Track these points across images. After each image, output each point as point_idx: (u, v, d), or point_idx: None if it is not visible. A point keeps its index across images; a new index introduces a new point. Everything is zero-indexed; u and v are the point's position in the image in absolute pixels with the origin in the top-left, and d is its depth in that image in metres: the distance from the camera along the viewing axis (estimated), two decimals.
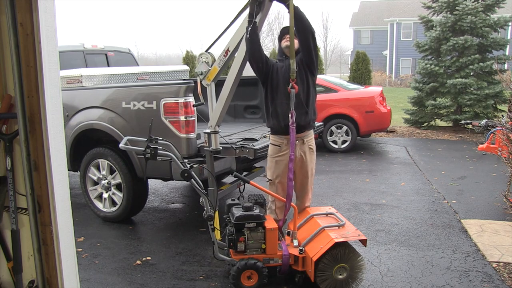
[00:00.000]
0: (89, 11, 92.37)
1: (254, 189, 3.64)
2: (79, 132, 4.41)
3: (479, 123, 7.21)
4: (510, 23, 11.04)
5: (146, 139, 3.05)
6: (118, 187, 4.39)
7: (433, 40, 10.59)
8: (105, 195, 4.51)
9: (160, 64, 42.70)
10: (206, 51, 3.63)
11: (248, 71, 3.46)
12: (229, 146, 3.78)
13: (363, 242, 3.07)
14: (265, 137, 4.24)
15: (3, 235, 2.43)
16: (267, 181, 3.50)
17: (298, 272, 3.09)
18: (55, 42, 1.96)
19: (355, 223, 4.30)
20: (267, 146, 3.71)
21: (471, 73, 10.19)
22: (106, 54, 6.24)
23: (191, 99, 3.81)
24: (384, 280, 3.19)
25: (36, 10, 1.87)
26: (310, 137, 3.48)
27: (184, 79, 5.71)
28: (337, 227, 3.10)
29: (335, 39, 67.35)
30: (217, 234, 3.27)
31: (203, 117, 4.30)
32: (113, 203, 4.49)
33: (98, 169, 4.49)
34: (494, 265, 3.40)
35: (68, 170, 3.70)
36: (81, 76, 4.60)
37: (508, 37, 18.93)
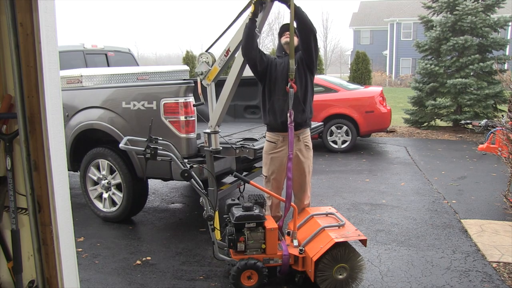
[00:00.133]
0: (89, 11, 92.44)
1: (254, 189, 3.64)
2: (79, 132, 4.41)
3: (479, 123, 7.22)
4: (510, 23, 11.04)
5: (146, 139, 3.05)
6: (118, 187, 4.39)
7: (433, 40, 10.59)
8: (105, 195, 4.51)
9: (160, 64, 42.72)
10: (207, 51, 3.63)
11: (249, 71, 3.46)
12: (229, 146, 3.78)
13: (363, 242, 3.07)
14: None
15: (3, 235, 2.43)
16: (261, 175, 3.52)
17: (298, 272, 3.09)
18: (55, 42, 1.96)
19: (355, 223, 4.30)
20: None
21: (471, 73, 10.19)
22: (106, 54, 6.24)
23: (191, 99, 3.81)
24: (384, 280, 3.19)
25: (36, 10, 1.87)
26: (306, 134, 3.48)
27: (184, 79, 5.71)
28: (337, 227, 3.10)
29: (335, 39, 67.50)
30: (217, 234, 3.27)
31: (203, 117, 4.30)
32: (113, 203, 4.49)
33: (98, 169, 4.49)
34: (494, 265, 3.40)
35: (68, 170, 3.71)
36: (81, 76, 4.60)
37: (508, 37, 18.94)
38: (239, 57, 3.40)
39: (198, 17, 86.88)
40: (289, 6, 3.07)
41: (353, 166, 6.99)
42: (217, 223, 3.35)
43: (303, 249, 3.03)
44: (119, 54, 6.48)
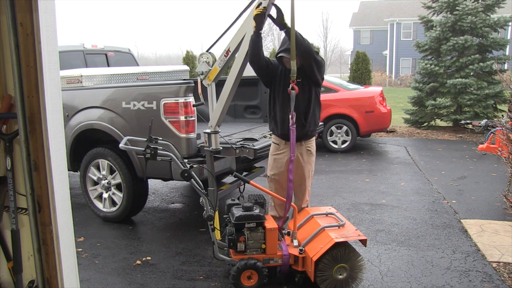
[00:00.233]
0: (89, 11, 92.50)
1: (254, 189, 3.65)
2: (79, 132, 4.41)
3: (479, 123, 7.22)
4: (510, 23, 11.04)
5: (146, 139, 3.05)
6: (118, 187, 4.39)
7: (433, 40, 10.59)
8: (105, 195, 4.51)
9: (160, 64, 42.69)
10: (207, 51, 3.63)
11: (249, 71, 3.47)
12: (229, 146, 3.78)
13: (363, 242, 3.07)
14: (265, 137, 4.24)
15: (3, 235, 2.43)
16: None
17: (298, 272, 3.09)
18: (55, 42, 1.96)
19: (355, 223, 4.30)
20: (267, 146, 3.75)
21: (471, 73, 10.19)
22: (106, 54, 6.24)
23: (191, 99, 3.82)
24: (384, 280, 3.19)
25: (36, 10, 1.86)
26: (309, 140, 3.51)
27: (184, 79, 5.71)
28: (337, 227, 3.10)
29: (335, 39, 67.55)
30: (217, 234, 3.27)
31: (203, 117, 4.30)
32: (113, 203, 4.49)
33: (98, 169, 4.49)
34: (494, 265, 3.40)
35: (68, 170, 3.71)
36: (81, 76, 4.60)
37: (508, 37, 18.93)
38: (239, 57, 3.40)
39: (198, 17, 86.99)
40: (286, 33, 3.12)
41: (353, 166, 6.99)
42: (217, 223, 3.35)
43: (303, 249, 3.03)
44: (119, 54, 6.48)
